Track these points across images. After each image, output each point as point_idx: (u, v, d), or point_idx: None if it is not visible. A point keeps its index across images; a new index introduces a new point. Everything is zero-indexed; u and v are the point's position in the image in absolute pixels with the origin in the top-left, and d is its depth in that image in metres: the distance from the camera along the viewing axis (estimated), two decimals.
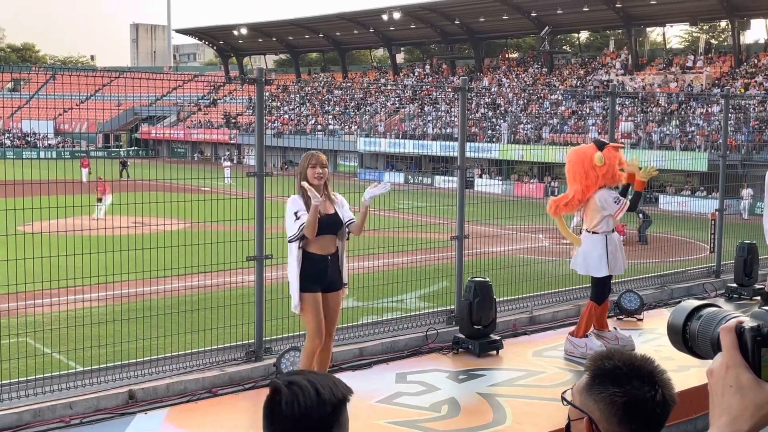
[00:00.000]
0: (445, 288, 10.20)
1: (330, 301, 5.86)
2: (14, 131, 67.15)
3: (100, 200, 22.54)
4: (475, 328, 7.67)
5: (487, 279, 7.93)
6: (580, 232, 8.00)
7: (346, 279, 6.06)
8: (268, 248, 7.01)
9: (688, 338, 1.47)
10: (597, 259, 7.64)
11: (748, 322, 1.33)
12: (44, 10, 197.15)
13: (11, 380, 5.93)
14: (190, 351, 6.83)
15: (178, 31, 78.12)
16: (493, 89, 51.43)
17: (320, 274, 5.74)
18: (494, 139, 44.33)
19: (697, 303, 1.50)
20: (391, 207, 9.72)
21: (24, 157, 58.47)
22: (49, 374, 6.12)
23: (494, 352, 7.68)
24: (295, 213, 5.65)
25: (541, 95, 48.18)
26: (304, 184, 5.65)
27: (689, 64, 46.18)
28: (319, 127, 56.78)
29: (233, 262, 7.46)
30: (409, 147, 46.82)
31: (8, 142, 63.50)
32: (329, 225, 5.75)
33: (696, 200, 27.14)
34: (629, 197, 7.73)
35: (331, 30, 63.25)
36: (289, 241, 5.72)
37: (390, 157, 48.95)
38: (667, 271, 11.37)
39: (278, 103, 64.94)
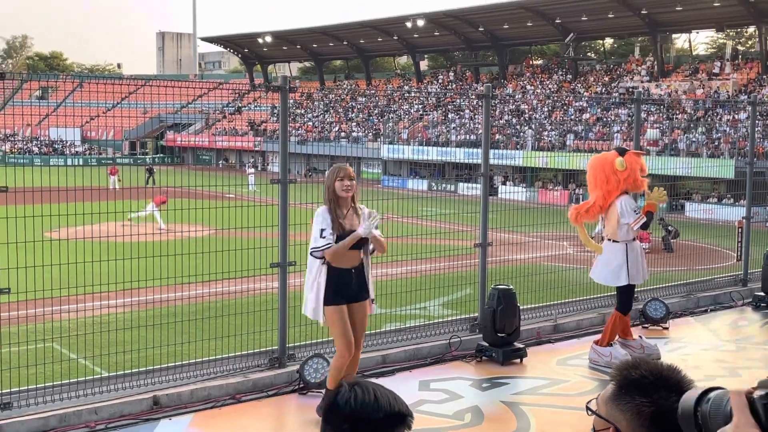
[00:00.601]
0: (468, 295, 10.17)
1: (355, 311, 5.84)
2: (42, 138, 67.95)
3: (161, 205, 22.45)
4: (499, 336, 7.63)
5: (511, 287, 7.89)
6: (602, 240, 7.95)
7: (373, 294, 6.03)
8: (292, 255, 7.03)
9: (701, 423, 1.54)
10: (617, 268, 7.58)
11: (758, 392, 1.44)
12: (71, 19, 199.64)
13: (37, 385, 5.98)
14: (214, 357, 6.86)
15: (204, 39, 78.74)
16: (517, 96, 51.30)
17: (344, 287, 5.73)
18: (518, 146, 44.19)
19: (703, 388, 1.58)
20: (414, 214, 9.71)
21: (51, 164, 59.18)
22: (75, 380, 6.17)
23: (518, 360, 7.64)
24: (322, 230, 5.63)
25: (566, 102, 47.97)
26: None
27: (716, 70, 45.80)
28: (342, 134, 56.92)
29: (257, 269, 7.49)
30: (432, 154, 46.82)
31: (36, 149, 64.29)
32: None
33: (723, 208, 26.86)
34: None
35: (355, 37, 63.43)
36: (311, 254, 5.69)
37: (413, 164, 48.95)
38: (693, 279, 11.26)
39: (302, 111, 65.20)
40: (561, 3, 47.93)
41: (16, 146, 62.72)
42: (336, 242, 5.62)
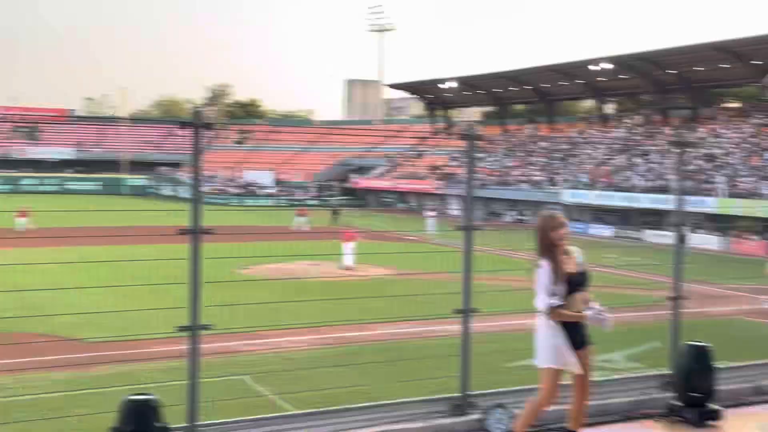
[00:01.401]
0: (655, 349, 9.68)
1: (581, 356, 5.75)
2: (238, 180, 72.25)
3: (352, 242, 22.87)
4: (692, 395, 7.18)
5: (707, 344, 7.43)
6: None
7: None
8: (475, 301, 6.98)
9: None
10: None
11: None
12: (269, 67, 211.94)
13: (228, 420, 6.22)
14: (396, 401, 6.89)
15: (390, 86, 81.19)
16: (709, 140, 48.90)
17: (572, 336, 5.66)
18: (712, 193, 41.98)
19: None
20: (597, 261, 9.44)
21: (245, 204, 62.70)
22: (264, 416, 6.38)
23: (713, 422, 7.15)
24: (551, 290, 5.60)
25: (765, 147, 45.17)
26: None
27: None
28: (523, 178, 56.48)
29: (439, 313, 7.50)
30: (617, 200, 45.37)
31: (232, 190, 68.43)
32: (576, 283, 5.68)
33: None
34: None
35: (538, 82, 63.12)
36: (541, 311, 5.65)
37: (596, 209, 47.67)
38: None
39: (483, 154, 65.39)
40: (757, 43, 45.47)
41: (215, 188, 67.08)
42: (566, 288, 5.59)
